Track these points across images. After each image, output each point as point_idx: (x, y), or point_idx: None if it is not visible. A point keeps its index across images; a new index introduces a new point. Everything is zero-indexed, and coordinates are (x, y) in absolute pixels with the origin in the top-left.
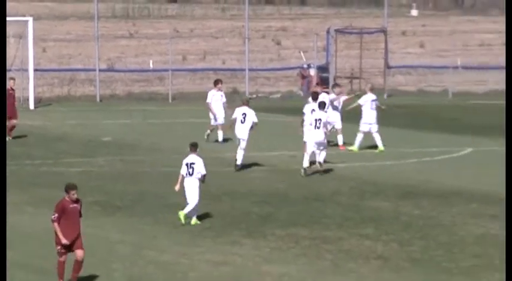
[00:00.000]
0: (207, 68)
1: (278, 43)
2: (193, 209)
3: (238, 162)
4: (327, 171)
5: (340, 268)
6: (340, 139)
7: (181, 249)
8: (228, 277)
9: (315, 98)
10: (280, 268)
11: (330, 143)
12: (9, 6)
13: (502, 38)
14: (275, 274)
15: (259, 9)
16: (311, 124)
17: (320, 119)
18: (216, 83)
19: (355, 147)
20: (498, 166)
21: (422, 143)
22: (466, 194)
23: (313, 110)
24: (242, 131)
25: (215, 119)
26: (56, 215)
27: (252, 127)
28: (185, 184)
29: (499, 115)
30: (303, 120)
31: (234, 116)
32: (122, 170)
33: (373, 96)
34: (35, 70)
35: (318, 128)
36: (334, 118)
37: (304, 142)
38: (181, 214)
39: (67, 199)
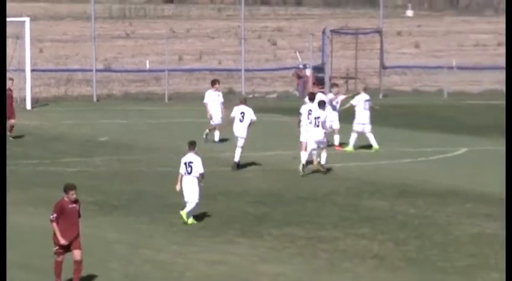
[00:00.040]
0: (203, 68)
1: (274, 43)
2: (193, 208)
3: (236, 159)
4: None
5: (336, 267)
6: (336, 139)
7: (177, 248)
8: (224, 276)
9: (312, 99)
10: (276, 268)
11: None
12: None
13: (497, 38)
14: (271, 274)
15: (255, 9)
16: (310, 123)
17: (319, 117)
18: (214, 83)
19: (350, 147)
20: (493, 166)
21: (417, 142)
22: (461, 194)
23: (310, 110)
24: (241, 130)
25: (211, 119)
26: (55, 215)
27: (249, 124)
28: (184, 182)
29: (494, 115)
30: (299, 121)
31: (232, 115)
32: (119, 169)
33: (366, 97)
34: (32, 70)
35: (318, 126)
36: (332, 118)
37: (301, 142)
38: (183, 213)
39: (66, 199)
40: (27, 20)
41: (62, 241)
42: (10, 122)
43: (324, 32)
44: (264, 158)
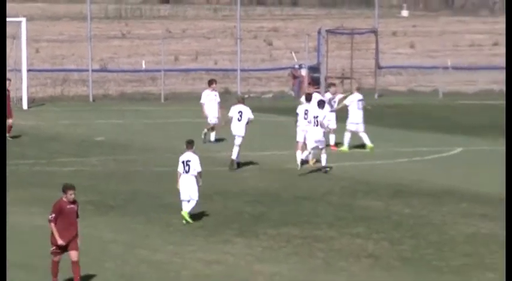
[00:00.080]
0: (199, 69)
1: (270, 44)
2: (194, 206)
3: (233, 157)
4: (319, 170)
5: (332, 266)
6: (332, 139)
7: (173, 248)
8: (220, 275)
9: (308, 99)
10: (272, 267)
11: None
12: None
13: (492, 38)
14: (267, 273)
15: (251, 9)
16: (309, 122)
17: (318, 117)
18: (211, 83)
19: (345, 147)
20: (488, 166)
21: (412, 142)
22: (457, 194)
23: (307, 110)
24: (239, 128)
25: (207, 119)
26: (53, 215)
27: (247, 123)
28: (181, 181)
29: (489, 115)
30: (296, 121)
31: (230, 115)
32: (115, 169)
33: (360, 96)
34: (28, 70)
35: (317, 125)
36: (329, 117)
37: (297, 142)
38: (185, 213)
39: (64, 199)
40: (23, 20)
41: (60, 242)
42: (8, 121)
43: (319, 32)
44: (261, 158)
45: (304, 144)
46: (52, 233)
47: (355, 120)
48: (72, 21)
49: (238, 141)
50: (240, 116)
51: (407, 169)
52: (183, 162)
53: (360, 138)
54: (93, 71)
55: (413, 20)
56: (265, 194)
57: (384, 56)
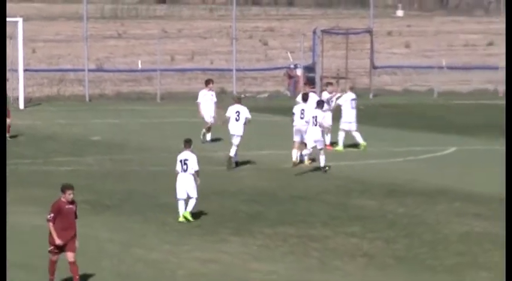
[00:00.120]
0: (195, 68)
1: (265, 43)
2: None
3: (231, 154)
4: (316, 170)
5: (327, 265)
6: (327, 139)
7: (169, 247)
8: (216, 274)
9: (305, 99)
10: (268, 266)
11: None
12: None
13: (487, 38)
14: (263, 272)
15: (247, 9)
16: (307, 122)
17: (317, 117)
18: (208, 83)
19: (339, 146)
20: (482, 165)
21: (407, 142)
22: (450, 193)
23: (303, 110)
24: (237, 128)
25: (204, 119)
26: (52, 215)
27: (245, 123)
28: (179, 179)
29: (483, 114)
30: (293, 120)
31: (227, 115)
32: (111, 169)
33: (353, 95)
34: (25, 70)
35: (315, 125)
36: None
37: (294, 142)
38: (187, 214)
39: (63, 199)
40: (20, 20)
41: (58, 241)
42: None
43: (314, 32)
44: (257, 157)
45: (303, 143)
46: (50, 233)
47: (349, 119)
48: (68, 21)
49: (236, 141)
50: (238, 115)
51: (401, 168)
52: (180, 161)
53: (353, 137)
54: (89, 70)
55: (408, 20)
56: (261, 194)
57: (379, 55)
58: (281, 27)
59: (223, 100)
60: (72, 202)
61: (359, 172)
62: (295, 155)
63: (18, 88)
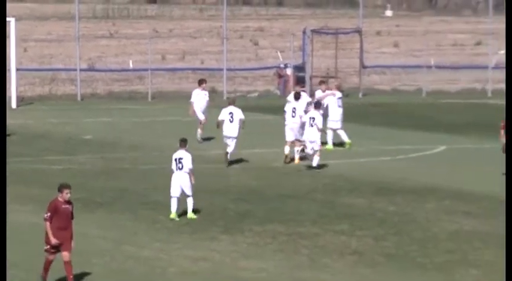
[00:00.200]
0: (186, 68)
1: (255, 43)
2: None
3: (229, 150)
4: (304, 169)
5: (316, 263)
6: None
7: (160, 245)
8: (206, 272)
9: (297, 98)
10: (258, 263)
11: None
12: None
13: (475, 38)
14: (252, 269)
15: (237, 9)
16: (304, 121)
17: (314, 118)
18: (201, 82)
19: (329, 145)
20: (471, 164)
21: (396, 141)
22: (440, 191)
23: (294, 108)
24: (231, 130)
25: (197, 117)
26: (49, 214)
27: (242, 127)
28: (174, 178)
29: (472, 113)
30: (285, 119)
31: (220, 118)
32: (103, 167)
33: (339, 94)
34: (17, 70)
35: (312, 126)
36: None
37: (286, 141)
38: (191, 214)
39: (60, 199)
40: (12, 20)
41: (54, 241)
42: None
43: (304, 32)
44: (246, 155)
45: (297, 140)
46: (46, 232)
47: (335, 117)
48: (60, 21)
49: (231, 142)
50: (231, 117)
51: (391, 167)
52: (175, 160)
53: (339, 135)
54: (81, 70)
55: (397, 19)
56: (250, 192)
57: (368, 55)
58: (271, 27)
59: (214, 99)
60: (68, 202)
61: (348, 170)
62: (287, 149)
63: (11, 87)
